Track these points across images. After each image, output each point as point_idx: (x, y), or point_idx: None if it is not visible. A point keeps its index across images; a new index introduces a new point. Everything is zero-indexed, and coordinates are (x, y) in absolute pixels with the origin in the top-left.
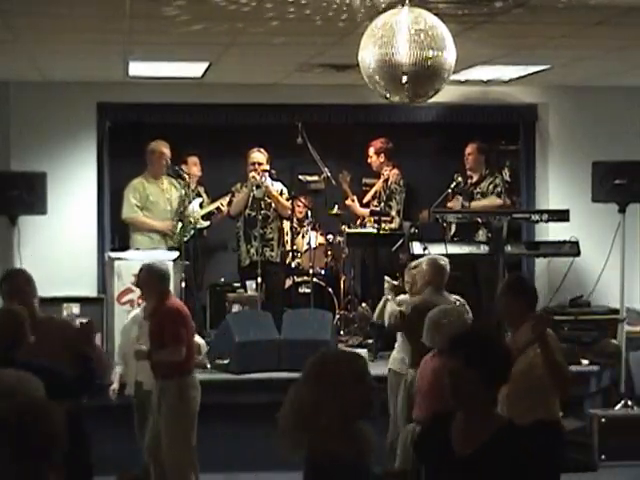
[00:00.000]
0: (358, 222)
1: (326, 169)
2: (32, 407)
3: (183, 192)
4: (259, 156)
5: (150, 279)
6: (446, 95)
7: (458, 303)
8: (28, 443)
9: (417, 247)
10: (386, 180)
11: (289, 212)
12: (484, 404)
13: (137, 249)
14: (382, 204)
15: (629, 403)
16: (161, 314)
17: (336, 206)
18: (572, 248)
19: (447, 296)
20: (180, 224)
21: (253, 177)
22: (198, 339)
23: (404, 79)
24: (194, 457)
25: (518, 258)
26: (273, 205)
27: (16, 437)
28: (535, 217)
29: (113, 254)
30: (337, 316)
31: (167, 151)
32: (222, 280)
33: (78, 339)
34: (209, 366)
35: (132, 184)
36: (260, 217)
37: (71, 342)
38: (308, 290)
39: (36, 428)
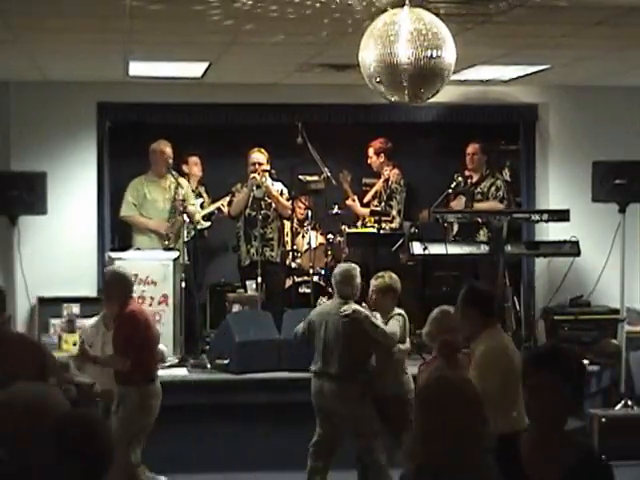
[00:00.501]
0: (359, 222)
1: (326, 169)
2: (85, 421)
3: (183, 192)
4: (259, 156)
5: (114, 284)
6: (446, 95)
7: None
8: (83, 456)
9: (417, 247)
10: (387, 180)
11: (289, 212)
12: (566, 424)
13: (137, 249)
14: (382, 204)
15: (629, 403)
16: (120, 320)
17: (336, 206)
18: (572, 248)
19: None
20: (175, 221)
21: (253, 177)
22: (161, 346)
23: (404, 79)
24: (137, 466)
25: (518, 258)
26: (273, 205)
27: (70, 449)
28: (535, 217)
29: (113, 254)
30: None
31: (168, 150)
32: (222, 280)
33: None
34: (209, 366)
35: (132, 183)
36: (260, 217)
37: (38, 366)
38: (308, 290)
39: (91, 441)
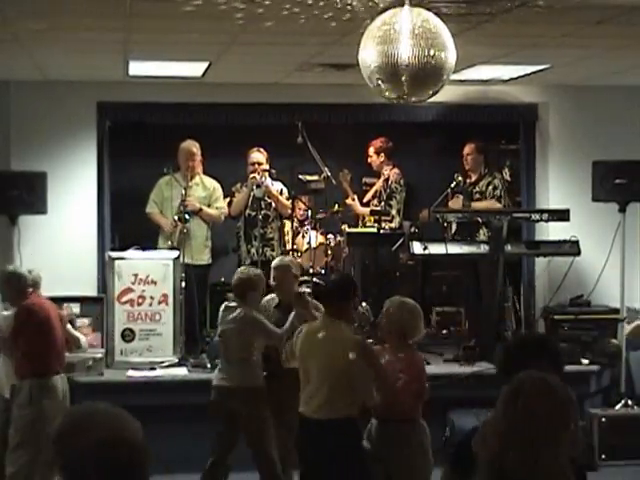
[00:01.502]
0: (360, 222)
1: (326, 168)
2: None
3: (204, 194)
4: (259, 156)
5: (2, 284)
6: (446, 95)
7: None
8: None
9: (417, 246)
10: (386, 179)
11: (289, 211)
12: None
13: (139, 248)
14: (382, 203)
15: (629, 403)
16: (18, 311)
17: (336, 205)
18: (572, 247)
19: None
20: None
21: (253, 177)
22: (80, 335)
23: (404, 79)
24: (36, 465)
25: (518, 257)
26: (273, 205)
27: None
28: (535, 216)
29: (113, 254)
30: None
31: (195, 150)
32: (222, 280)
33: None
34: (209, 366)
35: (160, 180)
36: (260, 217)
37: None
38: (308, 290)
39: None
